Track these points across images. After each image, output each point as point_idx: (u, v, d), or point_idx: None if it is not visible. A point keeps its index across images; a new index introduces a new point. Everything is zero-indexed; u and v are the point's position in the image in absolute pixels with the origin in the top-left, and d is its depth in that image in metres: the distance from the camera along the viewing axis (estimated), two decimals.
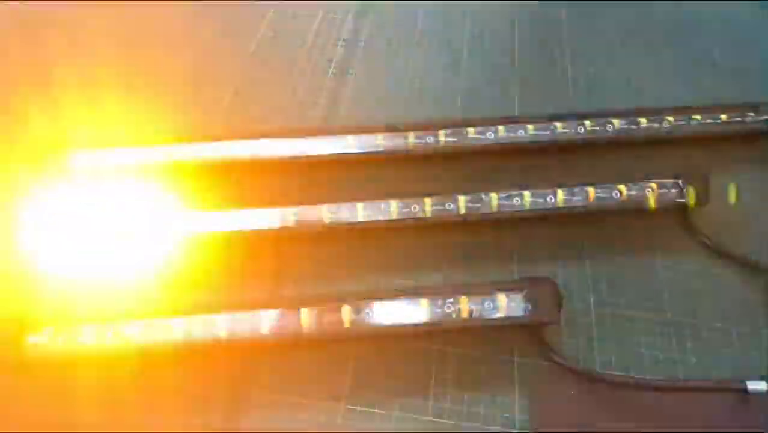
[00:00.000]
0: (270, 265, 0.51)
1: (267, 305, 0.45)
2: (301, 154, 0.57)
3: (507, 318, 0.45)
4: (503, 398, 0.44)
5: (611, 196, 0.54)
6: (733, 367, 0.47)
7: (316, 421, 0.42)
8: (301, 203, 0.51)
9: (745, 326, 0.49)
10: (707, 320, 0.49)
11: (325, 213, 0.51)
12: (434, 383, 0.44)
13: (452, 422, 0.42)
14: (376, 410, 0.43)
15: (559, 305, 0.45)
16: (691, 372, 0.46)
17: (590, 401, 0.43)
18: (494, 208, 0.52)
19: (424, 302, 0.45)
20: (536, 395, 0.44)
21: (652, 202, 0.54)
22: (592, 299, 0.50)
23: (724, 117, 0.62)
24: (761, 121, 0.62)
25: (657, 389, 0.43)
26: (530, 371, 0.45)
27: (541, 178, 0.55)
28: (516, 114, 0.64)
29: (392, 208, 0.51)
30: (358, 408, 0.43)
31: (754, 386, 0.42)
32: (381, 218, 0.51)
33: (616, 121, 0.61)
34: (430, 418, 0.43)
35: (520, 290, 0.45)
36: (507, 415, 0.43)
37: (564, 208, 0.53)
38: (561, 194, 0.54)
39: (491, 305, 0.45)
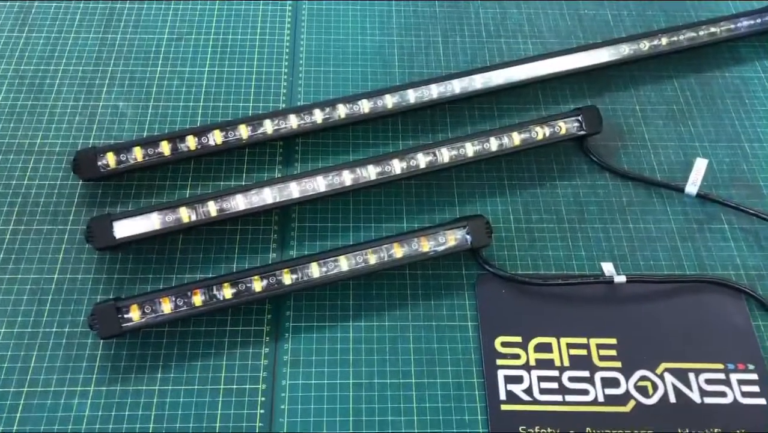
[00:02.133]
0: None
1: None
2: None
3: (455, 247, 0.64)
4: (459, 301, 0.64)
5: (531, 137, 0.72)
6: (611, 257, 0.68)
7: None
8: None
9: (618, 224, 0.71)
10: (591, 222, 0.70)
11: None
12: (410, 298, 0.65)
13: (423, 323, 0.63)
14: (374, 323, 0.63)
15: (489, 232, 0.65)
16: (581, 264, 0.67)
17: (513, 296, 0.64)
18: (446, 160, 0.70)
19: (397, 245, 0.64)
20: (480, 296, 0.64)
21: (562, 135, 0.72)
22: (512, 220, 0.70)
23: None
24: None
25: (551, 285, 0.64)
26: (475, 280, 0.66)
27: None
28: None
29: (369, 171, 0.68)
30: (362, 321, 0.63)
31: (618, 279, 0.64)
32: (364, 180, 0.67)
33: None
34: (409, 322, 0.63)
35: (463, 226, 0.65)
36: (463, 312, 0.64)
37: (497, 151, 0.70)
38: (493, 141, 0.71)
39: (444, 239, 0.64)
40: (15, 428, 0.56)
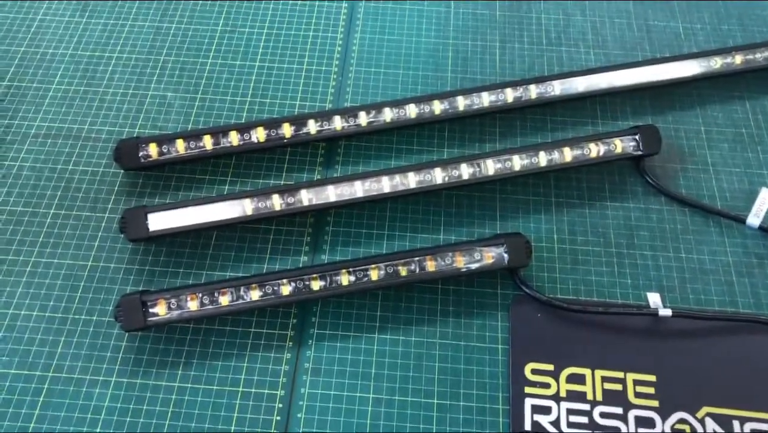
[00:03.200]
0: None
1: None
2: None
3: (491, 265, 0.62)
4: (491, 321, 0.62)
5: (583, 154, 0.69)
6: (658, 287, 0.64)
7: None
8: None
9: (669, 252, 0.66)
10: (641, 248, 0.66)
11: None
12: (440, 314, 0.62)
13: (451, 341, 0.61)
14: (400, 337, 0.61)
15: (529, 252, 0.62)
16: (625, 292, 0.64)
17: (549, 321, 0.61)
18: (490, 173, 0.67)
19: (430, 259, 0.61)
20: (513, 318, 0.61)
21: (617, 154, 0.68)
22: (556, 240, 0.66)
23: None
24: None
25: (590, 312, 0.60)
26: (510, 301, 0.63)
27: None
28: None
29: (410, 180, 0.65)
30: (388, 334, 0.61)
31: (663, 312, 0.60)
32: (403, 187, 0.65)
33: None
34: (436, 340, 0.61)
35: (501, 244, 0.62)
36: (494, 334, 0.61)
37: (546, 167, 0.67)
38: (543, 155, 0.68)
39: (480, 256, 0.62)
40: (37, 411, 0.56)
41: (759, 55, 0.76)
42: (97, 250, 0.64)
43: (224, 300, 0.59)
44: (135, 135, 0.70)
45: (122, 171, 0.69)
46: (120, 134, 0.71)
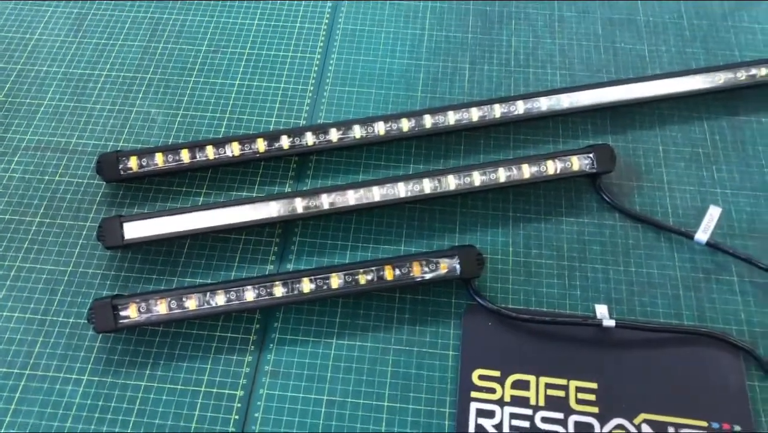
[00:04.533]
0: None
1: None
2: None
3: (446, 275, 0.65)
4: (444, 329, 0.65)
5: (540, 171, 0.72)
6: (607, 299, 0.67)
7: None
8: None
9: (620, 266, 0.69)
10: (592, 261, 0.69)
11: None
12: (396, 321, 0.66)
13: (404, 347, 0.64)
14: (357, 343, 0.64)
15: (481, 263, 0.65)
16: (575, 304, 0.67)
17: (498, 329, 0.64)
18: (451, 188, 0.70)
19: (388, 268, 0.65)
20: (465, 326, 0.65)
21: (573, 171, 0.71)
22: (511, 253, 0.69)
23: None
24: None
25: (538, 321, 0.64)
26: (463, 310, 0.66)
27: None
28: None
29: (374, 193, 0.69)
30: (346, 339, 0.65)
31: (607, 323, 0.62)
32: (367, 200, 0.69)
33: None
34: (391, 346, 0.64)
35: (454, 255, 0.65)
36: (446, 341, 0.64)
37: (505, 183, 0.70)
38: (502, 171, 0.71)
39: (435, 266, 0.65)
40: (13, 406, 0.60)
41: (719, 77, 0.79)
42: (77, 256, 0.68)
43: (191, 305, 0.63)
44: (118, 149, 0.74)
45: (104, 183, 0.73)
46: (105, 148, 0.76)
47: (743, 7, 0.88)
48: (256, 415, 0.60)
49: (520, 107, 0.76)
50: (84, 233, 0.70)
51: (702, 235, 0.68)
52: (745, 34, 0.85)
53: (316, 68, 0.83)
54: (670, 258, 0.68)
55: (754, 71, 0.79)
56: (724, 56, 0.83)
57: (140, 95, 0.80)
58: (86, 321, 0.63)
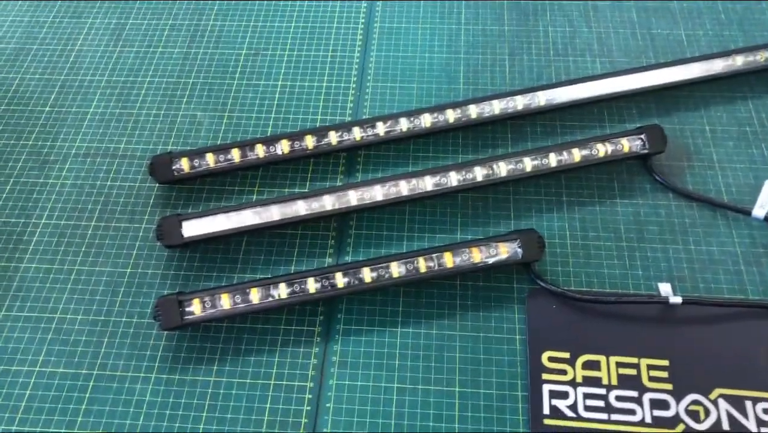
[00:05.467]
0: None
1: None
2: None
3: (506, 259, 0.65)
4: (508, 314, 0.65)
5: (591, 154, 0.72)
6: (669, 278, 0.67)
7: None
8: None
9: (679, 245, 0.69)
10: (651, 242, 0.69)
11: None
12: (459, 308, 0.65)
13: (470, 333, 0.64)
14: (422, 331, 0.64)
15: (542, 247, 0.65)
16: (637, 284, 0.66)
17: (563, 311, 0.64)
18: (503, 174, 0.70)
19: (448, 254, 0.65)
20: (530, 309, 0.64)
21: (624, 153, 0.71)
22: (568, 237, 0.69)
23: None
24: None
25: (603, 302, 0.63)
26: (525, 294, 0.66)
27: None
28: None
29: (426, 183, 0.69)
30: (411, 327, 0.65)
31: (674, 300, 0.62)
32: (421, 190, 0.69)
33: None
34: (456, 332, 0.64)
35: (515, 239, 0.65)
36: (512, 325, 0.64)
37: (557, 167, 0.70)
38: (553, 156, 0.71)
39: (495, 251, 0.65)
40: (83, 406, 0.60)
41: (759, 57, 0.79)
42: (135, 258, 0.69)
43: (254, 298, 0.63)
44: (168, 151, 0.75)
45: (157, 184, 0.73)
46: (154, 151, 0.76)
47: None
48: (328, 405, 0.60)
49: (564, 94, 0.77)
50: (140, 234, 0.70)
51: (759, 210, 0.68)
52: None
53: (356, 66, 0.83)
54: (728, 235, 0.68)
55: None
56: (762, 37, 0.84)
57: (184, 99, 0.81)
58: (152, 319, 0.63)
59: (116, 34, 0.88)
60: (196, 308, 0.62)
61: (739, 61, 0.79)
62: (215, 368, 0.62)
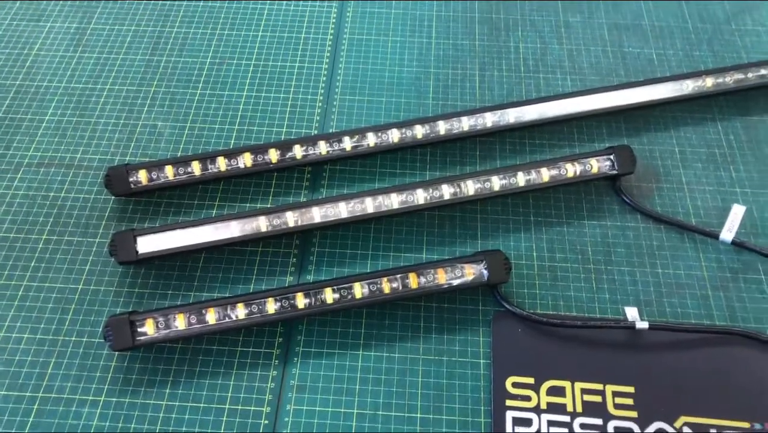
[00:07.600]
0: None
1: None
2: None
3: (472, 281, 0.63)
4: (473, 337, 0.63)
5: (560, 174, 0.71)
6: (636, 301, 0.66)
7: None
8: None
9: (646, 268, 0.68)
10: (618, 264, 0.68)
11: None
12: (423, 330, 0.64)
13: (434, 357, 0.62)
14: (384, 354, 0.62)
15: (508, 268, 0.63)
16: (604, 307, 0.65)
17: (529, 335, 0.62)
18: (470, 193, 0.69)
19: (413, 275, 0.63)
20: (495, 333, 0.63)
21: (593, 174, 0.70)
22: (535, 258, 0.68)
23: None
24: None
25: (569, 326, 0.62)
26: (491, 317, 0.64)
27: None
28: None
29: (392, 200, 0.67)
30: (372, 351, 0.63)
31: (640, 325, 0.61)
32: (386, 208, 0.67)
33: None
34: (419, 356, 0.62)
35: (481, 261, 0.63)
36: (476, 349, 0.63)
37: (525, 186, 0.69)
38: (521, 175, 0.70)
39: (461, 272, 0.63)
40: (26, 430, 0.57)
41: (729, 79, 0.79)
42: (88, 273, 0.66)
43: (211, 319, 0.60)
44: (126, 162, 0.72)
45: (113, 197, 0.70)
46: (111, 162, 0.73)
47: (746, 10, 0.88)
48: (284, 432, 0.57)
49: (533, 112, 0.76)
50: (94, 249, 0.67)
51: (727, 234, 0.67)
52: (750, 36, 0.86)
53: (324, 78, 0.81)
54: (696, 258, 0.67)
55: (763, 72, 0.79)
56: (731, 58, 0.83)
57: (145, 108, 0.78)
58: (102, 339, 0.61)
59: (76, 39, 0.85)
60: (149, 328, 0.60)
61: (709, 83, 0.78)
62: (168, 391, 0.59)
